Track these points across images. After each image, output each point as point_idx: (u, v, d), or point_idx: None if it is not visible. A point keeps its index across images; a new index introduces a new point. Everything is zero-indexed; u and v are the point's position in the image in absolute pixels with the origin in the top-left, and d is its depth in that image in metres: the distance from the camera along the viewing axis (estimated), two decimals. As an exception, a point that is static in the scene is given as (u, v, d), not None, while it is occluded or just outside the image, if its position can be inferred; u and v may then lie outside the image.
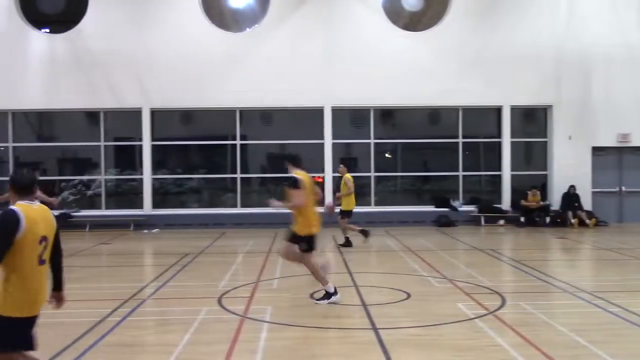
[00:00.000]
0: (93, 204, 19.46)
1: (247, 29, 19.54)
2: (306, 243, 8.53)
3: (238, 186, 19.43)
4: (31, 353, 4.66)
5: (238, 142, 19.48)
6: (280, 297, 9.08)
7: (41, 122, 20.69)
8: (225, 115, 19.48)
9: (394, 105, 19.65)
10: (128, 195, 19.86)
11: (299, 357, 6.29)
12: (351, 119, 20.17)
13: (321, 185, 19.26)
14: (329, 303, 8.43)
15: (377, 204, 19.67)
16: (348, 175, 14.55)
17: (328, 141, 19.20)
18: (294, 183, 8.41)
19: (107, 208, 19.38)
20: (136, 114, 19.04)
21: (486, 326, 7.23)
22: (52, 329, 7.36)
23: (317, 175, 19.67)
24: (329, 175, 19.20)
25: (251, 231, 17.92)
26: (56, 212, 18.50)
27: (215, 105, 19.09)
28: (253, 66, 18.82)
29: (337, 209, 14.18)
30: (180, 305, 8.49)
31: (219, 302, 8.58)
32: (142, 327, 7.65)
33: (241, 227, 18.49)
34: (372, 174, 19.67)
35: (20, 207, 4.43)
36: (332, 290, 8.51)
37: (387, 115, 20.44)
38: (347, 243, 14.48)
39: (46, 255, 4.57)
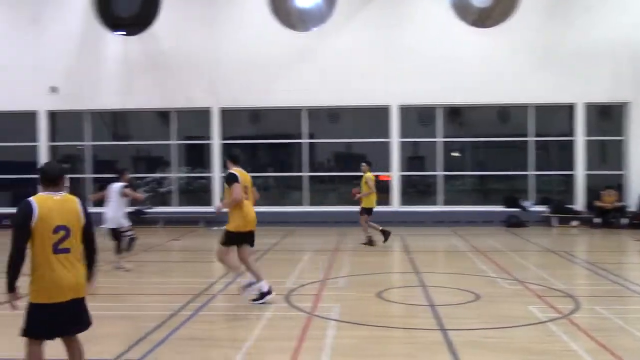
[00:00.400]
0: (165, 201, 20.01)
1: (314, 28, 19.64)
2: (229, 238, 8.33)
3: (305, 184, 19.57)
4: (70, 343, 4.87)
5: (305, 140, 19.62)
6: (347, 295, 9.09)
7: (116, 122, 21.43)
8: (293, 114, 19.66)
9: (462, 104, 19.35)
10: (198, 192, 20.32)
11: (365, 355, 6.30)
12: (418, 117, 19.98)
13: (387, 184, 19.21)
14: (261, 303, 8.26)
15: (445, 203, 19.40)
16: (370, 174, 14.57)
17: (395, 140, 19.09)
18: (231, 178, 8.37)
19: (178, 205, 19.90)
20: (206, 113, 19.46)
21: (559, 330, 7.03)
22: (126, 321, 7.64)
23: (383, 174, 19.61)
24: (395, 174, 19.08)
25: (318, 229, 18.02)
26: (130, 209, 19.21)
27: (282, 104, 19.29)
28: (320, 65, 18.92)
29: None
30: (249, 302, 8.62)
31: (287, 299, 8.68)
32: (212, 321, 7.82)
33: (308, 225, 18.60)
34: (440, 173, 19.42)
35: (36, 197, 4.64)
36: (265, 289, 8.33)
37: (455, 113, 20.14)
38: (370, 242, 14.46)
39: (68, 245, 4.65)
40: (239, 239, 8.38)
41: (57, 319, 4.66)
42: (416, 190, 19.93)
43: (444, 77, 18.50)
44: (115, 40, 19.67)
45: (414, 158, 20.31)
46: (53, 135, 20.13)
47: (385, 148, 19.15)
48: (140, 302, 8.60)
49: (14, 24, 19.58)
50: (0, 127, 20.36)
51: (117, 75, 19.49)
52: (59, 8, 19.54)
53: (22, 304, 4.70)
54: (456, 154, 20.72)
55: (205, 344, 6.76)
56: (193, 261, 13.37)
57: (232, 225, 8.33)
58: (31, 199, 4.62)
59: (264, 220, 18.36)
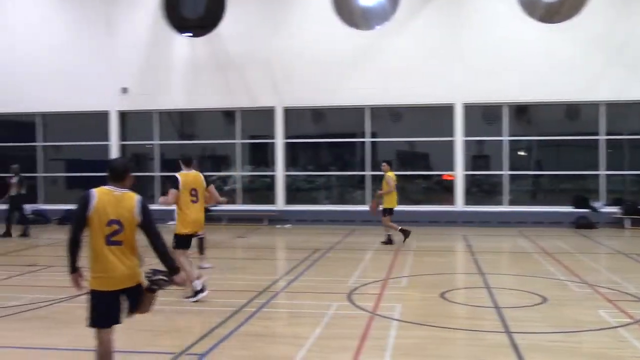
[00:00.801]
0: (230, 199, 20.33)
1: (377, 26, 19.57)
2: (176, 241, 8.48)
3: (368, 183, 19.53)
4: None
5: (368, 139, 19.58)
6: (410, 295, 9.04)
7: (183, 121, 21.94)
8: (356, 112, 19.65)
9: (529, 102, 18.87)
10: (262, 191, 20.59)
11: (428, 356, 6.25)
12: (483, 115, 19.62)
13: (451, 183, 18.96)
14: (194, 301, 8.37)
15: (511, 203, 18.97)
16: (390, 174, 14.50)
17: (459, 138, 18.81)
18: (171, 181, 8.66)
19: (242, 203, 20.22)
20: (270, 112, 19.69)
21: (631, 336, 6.78)
22: (192, 316, 7.82)
23: (447, 173, 19.37)
24: (459, 173, 18.81)
25: (380, 228, 17.91)
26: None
27: (345, 103, 19.30)
28: (383, 63, 18.84)
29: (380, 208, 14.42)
30: (311, 300, 8.69)
31: (349, 298, 8.70)
32: (275, 318, 7.92)
33: (370, 225, 18.53)
34: (505, 172, 19.01)
35: (98, 189, 4.88)
36: (198, 287, 8.44)
37: (522, 112, 19.66)
38: (389, 241, 14.42)
39: (121, 238, 4.85)
40: (185, 241, 8.64)
41: (113, 307, 4.92)
42: (480, 189, 19.58)
43: (510, 74, 18.11)
44: (183, 42, 20.15)
45: (478, 157, 19.96)
46: (123, 134, 20.79)
47: (449, 147, 18.90)
48: (206, 297, 8.78)
49: (87, 27, 20.32)
50: (74, 127, 21.25)
51: (184, 75, 19.98)
52: (129, 11, 20.16)
53: (86, 284, 4.97)
54: (523, 153, 20.24)
55: (267, 340, 6.85)
56: (257, 259, 13.55)
57: (178, 230, 8.61)
58: (93, 190, 4.85)
59: (325, 218, 18.76)
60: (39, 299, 8.72)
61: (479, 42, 18.44)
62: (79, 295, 8.80)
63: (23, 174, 16.82)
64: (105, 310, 4.92)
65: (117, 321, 5.02)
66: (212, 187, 9.26)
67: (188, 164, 8.97)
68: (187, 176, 8.77)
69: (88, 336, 6.89)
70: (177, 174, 8.76)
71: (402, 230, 14.27)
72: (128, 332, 7.03)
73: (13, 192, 16.39)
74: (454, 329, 7.18)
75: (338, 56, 19.02)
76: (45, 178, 21.37)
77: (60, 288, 9.36)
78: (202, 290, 8.48)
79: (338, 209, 19.47)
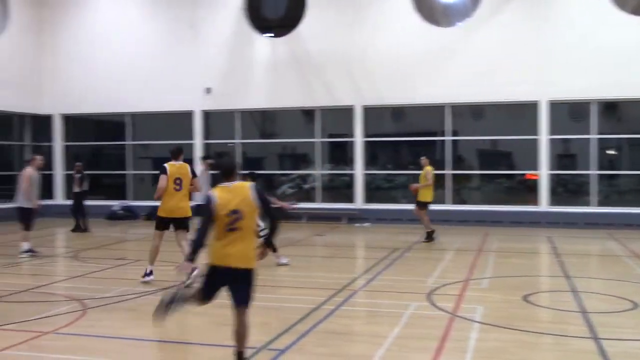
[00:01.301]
0: (309, 197, 20.54)
1: (458, 23, 19.23)
2: (156, 221, 9.84)
3: (448, 182, 19.24)
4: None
5: (448, 138, 19.29)
6: (492, 297, 8.84)
7: (264, 120, 22.33)
8: (436, 110, 19.40)
9: (619, 98, 18.02)
10: (341, 189, 20.66)
11: (510, 360, 6.10)
12: (569, 112, 18.93)
13: (535, 183, 18.41)
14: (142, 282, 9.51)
15: (599, 204, 18.20)
16: (429, 168, 14.65)
17: (543, 137, 18.21)
18: (161, 170, 9.73)
19: (321, 201, 20.37)
20: (349, 111, 19.73)
21: None
22: (273, 312, 7.96)
23: (530, 172, 18.82)
24: (544, 173, 18.21)
25: (461, 228, 17.67)
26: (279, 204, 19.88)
27: (425, 101, 19.09)
28: (464, 60, 18.51)
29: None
30: (390, 299, 8.65)
31: (428, 298, 8.61)
32: (353, 317, 7.95)
33: (451, 224, 18.28)
34: (593, 172, 18.25)
35: (216, 189, 5.55)
36: (148, 270, 9.68)
37: (611, 109, 18.82)
38: (429, 237, 14.52)
39: (239, 225, 5.45)
40: (162, 224, 9.82)
41: (219, 279, 5.55)
42: (566, 190, 18.88)
43: (599, 70, 17.37)
44: (264, 42, 20.49)
45: (564, 156, 19.28)
46: (207, 133, 21.36)
47: (533, 145, 18.35)
48: (286, 294, 8.93)
49: (173, 29, 21.02)
50: (160, 126, 22.06)
51: (265, 75, 20.32)
52: (213, 13, 20.69)
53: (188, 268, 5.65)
54: (612, 152, 19.39)
55: (346, 338, 6.88)
56: (336, 257, 13.63)
57: (159, 212, 9.84)
58: (212, 192, 5.54)
59: (405, 217, 18.61)
60: (128, 291, 9.10)
61: (565, 36, 17.80)
62: (166, 288, 9.16)
63: (86, 172, 17.48)
64: (214, 284, 5.60)
65: (208, 293, 5.66)
66: (196, 180, 10.08)
67: (176, 156, 9.95)
68: (174, 166, 9.81)
69: (173, 329, 7.17)
70: (166, 164, 9.82)
71: (430, 231, 14.58)
72: (210, 326, 7.26)
73: (76, 188, 17.11)
74: (537, 332, 6.98)
75: (418, 54, 18.84)
76: (134, 175, 22.26)
77: (148, 282, 9.75)
78: (149, 274, 9.75)
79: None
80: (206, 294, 5.65)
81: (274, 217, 5.78)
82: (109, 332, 7.08)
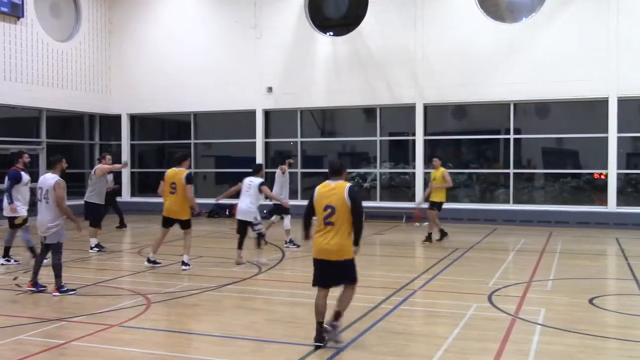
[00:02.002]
0: (369, 195, 20.50)
1: (524, 18, 18.80)
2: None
3: (511, 182, 18.85)
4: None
5: (511, 136, 18.87)
6: (555, 299, 8.63)
7: (324, 119, 22.41)
8: (499, 108, 19.03)
9: (695, 94, 17.24)
10: (401, 188, 20.52)
11: (574, 365, 5.94)
12: (640, 110, 18.23)
13: (604, 182, 17.82)
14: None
15: (671, 205, 17.48)
16: (444, 169, 14.72)
17: (612, 135, 17.57)
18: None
19: (381, 200, 20.29)
20: (410, 109, 19.58)
21: None
22: (332, 310, 7.97)
23: (598, 171, 18.23)
24: (612, 172, 17.58)
25: (523, 229, 17.30)
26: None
27: (488, 99, 18.77)
28: (529, 57, 18.09)
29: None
30: (450, 299, 8.56)
31: (489, 299, 8.47)
32: (412, 316, 7.90)
33: (513, 224, 17.94)
34: (666, 171, 17.53)
35: (319, 185, 6.51)
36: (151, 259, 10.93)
37: (685, 105, 18.03)
38: (443, 234, 14.55)
39: (333, 220, 6.29)
40: (163, 221, 11.03)
41: (325, 272, 6.41)
42: (636, 190, 18.18)
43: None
44: (325, 41, 20.57)
45: (634, 155, 18.58)
46: (267, 132, 21.60)
47: (601, 144, 17.75)
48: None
49: (235, 29, 21.35)
50: (223, 125, 22.46)
51: (325, 74, 20.39)
52: (275, 13, 20.91)
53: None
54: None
55: (405, 338, 6.84)
56: (395, 256, 13.57)
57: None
58: (316, 188, 6.52)
59: (466, 217, 18.35)
60: (190, 287, 9.32)
61: (634, 30, 17.15)
62: (226, 285, 9.34)
63: (153, 170, 17.70)
64: (319, 275, 6.46)
65: (330, 285, 6.48)
66: (188, 187, 10.92)
67: (178, 162, 11.26)
68: (172, 172, 11.06)
69: (233, 324, 7.31)
70: (168, 170, 11.19)
71: (442, 231, 14.56)
72: (274, 323, 7.37)
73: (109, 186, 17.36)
74: (604, 337, 6.77)
75: (482, 50, 18.53)
76: (196, 174, 22.74)
77: (210, 277, 9.97)
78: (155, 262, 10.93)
79: (479, 208, 18.97)
80: (319, 282, 6.45)
81: (356, 219, 6.32)
82: (172, 326, 7.28)
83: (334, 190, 6.35)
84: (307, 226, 6.62)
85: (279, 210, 13.64)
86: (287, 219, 13.56)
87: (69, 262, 11.06)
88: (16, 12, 18.97)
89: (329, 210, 6.28)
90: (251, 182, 11.48)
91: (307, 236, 6.69)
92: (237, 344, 6.60)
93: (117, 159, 23.06)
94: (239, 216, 11.50)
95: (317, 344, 6.27)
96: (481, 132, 19.94)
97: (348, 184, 6.38)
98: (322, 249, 6.35)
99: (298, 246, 13.32)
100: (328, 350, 6.22)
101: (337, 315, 6.43)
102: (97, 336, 6.76)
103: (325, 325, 6.34)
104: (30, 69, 19.70)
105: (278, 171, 14.18)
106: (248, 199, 11.37)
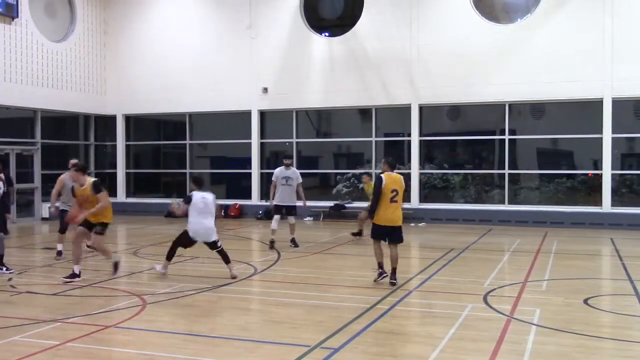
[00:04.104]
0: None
1: (519, 19, 18.85)
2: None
3: (506, 182, 18.89)
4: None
5: (507, 136, 18.91)
6: (550, 299, 8.64)
7: (320, 120, 22.40)
8: (494, 109, 19.07)
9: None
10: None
11: (570, 365, 5.95)
12: (635, 110, 18.27)
13: (599, 183, 17.87)
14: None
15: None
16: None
17: (607, 135, 17.62)
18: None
19: (376, 201, 20.22)
20: (405, 110, 19.60)
21: None
22: (330, 311, 7.98)
23: (592, 172, 18.29)
24: (607, 172, 17.63)
25: (519, 229, 17.33)
26: (331, 203, 19.94)
27: (483, 100, 18.81)
28: (524, 58, 18.14)
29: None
30: (445, 300, 8.56)
31: (485, 299, 8.48)
32: (408, 317, 7.90)
33: (508, 225, 17.98)
34: (660, 172, 17.58)
35: (384, 175, 9.46)
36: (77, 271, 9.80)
37: (681, 106, 18.09)
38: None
39: (396, 199, 9.40)
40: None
41: (384, 233, 9.53)
42: (631, 190, 18.24)
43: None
44: (320, 42, 20.58)
45: (628, 155, 18.65)
46: (263, 132, 21.57)
47: (595, 144, 17.80)
48: (341, 293, 8.96)
49: (231, 29, 21.34)
50: (218, 126, 22.43)
51: (321, 74, 20.39)
52: (270, 13, 20.91)
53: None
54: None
55: (401, 338, 6.85)
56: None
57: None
58: (382, 175, 9.48)
59: (461, 217, 18.39)
60: (186, 287, 9.30)
61: (629, 32, 17.22)
62: (221, 285, 9.32)
63: (148, 170, 17.47)
64: (379, 234, 9.56)
65: (383, 239, 9.61)
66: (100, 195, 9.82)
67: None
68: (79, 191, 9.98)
69: (228, 325, 7.30)
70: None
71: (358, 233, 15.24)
72: (269, 324, 7.37)
73: None
74: (599, 337, 6.78)
75: (477, 51, 18.58)
76: (191, 174, 22.70)
77: (205, 278, 9.95)
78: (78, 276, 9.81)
79: (474, 208, 19.01)
80: (378, 238, 9.59)
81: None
82: (168, 327, 7.26)
83: (395, 179, 9.41)
84: (374, 209, 9.39)
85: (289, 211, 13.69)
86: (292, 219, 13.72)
87: (64, 263, 11.02)
88: (11, 13, 18.92)
89: (394, 193, 9.31)
90: (205, 198, 10.08)
91: (372, 216, 9.44)
92: (232, 344, 6.59)
93: (112, 159, 23.14)
94: (204, 239, 10.16)
95: (392, 281, 9.34)
96: (477, 133, 19.97)
97: (400, 175, 9.55)
98: (389, 218, 9.33)
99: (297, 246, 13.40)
100: (323, 351, 6.21)
101: (395, 270, 9.37)
102: (93, 337, 6.73)
103: (391, 281, 9.33)
104: (25, 69, 19.64)
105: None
106: (210, 216, 10.11)
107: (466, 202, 19.57)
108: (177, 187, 22.66)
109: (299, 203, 13.86)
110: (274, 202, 13.56)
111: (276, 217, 13.57)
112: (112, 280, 9.97)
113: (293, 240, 13.63)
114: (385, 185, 9.24)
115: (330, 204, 20.16)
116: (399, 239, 9.48)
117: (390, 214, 9.32)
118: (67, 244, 11.12)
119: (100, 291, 9.16)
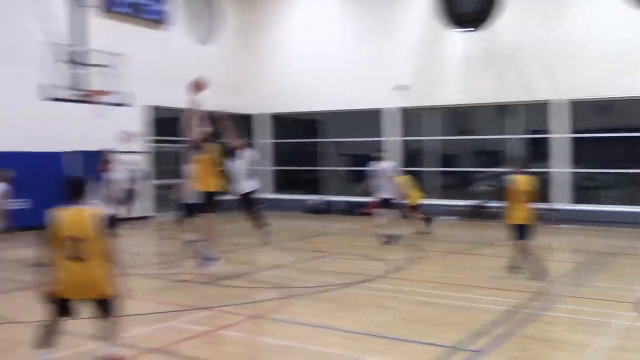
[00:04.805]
0: (502, 195, 19.80)
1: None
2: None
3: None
4: None
5: (662, 133, 17.51)
6: None
7: (457, 117, 21.94)
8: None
9: None
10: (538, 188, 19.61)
11: None
12: None
13: None
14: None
15: None
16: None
17: None
18: None
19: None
20: (547, 105, 18.77)
21: None
22: (466, 312, 7.87)
23: None
24: None
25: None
26: (472, 202, 19.47)
27: (632, 94, 17.52)
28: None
29: None
30: (595, 307, 8.14)
31: (637, 307, 7.97)
32: (555, 322, 7.58)
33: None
34: None
35: (514, 176, 9.64)
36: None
37: None
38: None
39: (523, 199, 9.57)
40: None
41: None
42: None
43: None
44: (456, 38, 20.16)
45: None
46: (401, 130, 21.50)
47: None
48: (482, 294, 8.80)
49: (367, 26, 21.51)
50: (356, 123, 22.62)
51: (458, 71, 20.01)
52: (405, 10, 20.86)
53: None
54: None
55: (546, 345, 6.61)
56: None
57: None
58: (512, 176, 9.69)
59: (611, 219, 17.25)
60: (326, 282, 9.56)
61: None
62: (363, 282, 9.49)
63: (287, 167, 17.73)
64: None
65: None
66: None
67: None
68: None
69: (367, 321, 7.42)
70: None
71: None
72: (400, 322, 7.41)
73: None
74: None
75: (625, 43, 17.35)
76: (327, 172, 23.15)
77: (344, 274, 10.16)
78: None
79: (627, 210, 17.76)
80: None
81: None
82: (308, 320, 7.50)
83: (525, 180, 9.86)
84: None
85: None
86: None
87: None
88: (163, 19, 20.39)
89: (524, 194, 9.74)
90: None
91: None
92: (371, 340, 6.68)
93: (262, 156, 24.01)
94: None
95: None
96: (630, 130, 18.59)
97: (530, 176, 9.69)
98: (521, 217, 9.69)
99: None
100: (464, 354, 6.15)
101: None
102: (241, 326, 7.14)
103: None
104: (175, 72, 20.86)
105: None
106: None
107: (618, 203, 18.31)
108: (314, 183, 23.11)
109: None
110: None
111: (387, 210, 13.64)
112: (258, 273, 10.46)
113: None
114: (516, 186, 9.58)
115: (471, 202, 19.66)
116: (530, 238, 9.65)
117: (518, 214, 9.69)
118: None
119: (249, 282, 9.65)
